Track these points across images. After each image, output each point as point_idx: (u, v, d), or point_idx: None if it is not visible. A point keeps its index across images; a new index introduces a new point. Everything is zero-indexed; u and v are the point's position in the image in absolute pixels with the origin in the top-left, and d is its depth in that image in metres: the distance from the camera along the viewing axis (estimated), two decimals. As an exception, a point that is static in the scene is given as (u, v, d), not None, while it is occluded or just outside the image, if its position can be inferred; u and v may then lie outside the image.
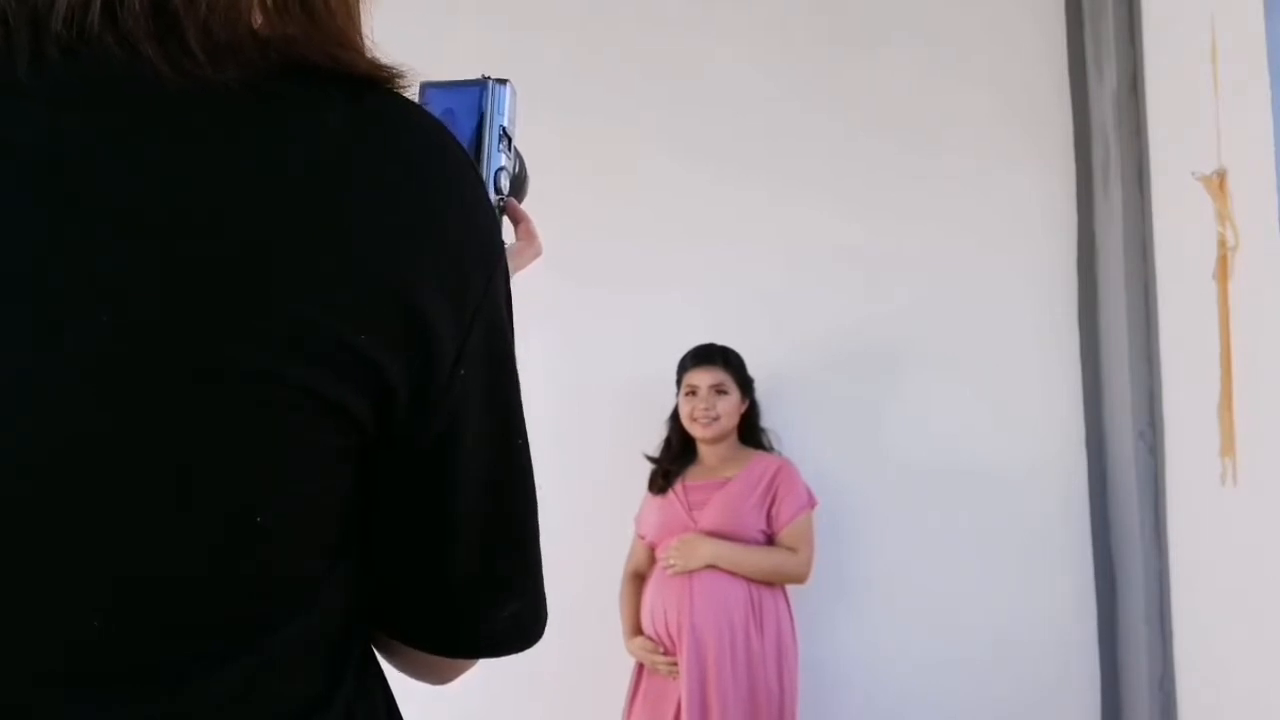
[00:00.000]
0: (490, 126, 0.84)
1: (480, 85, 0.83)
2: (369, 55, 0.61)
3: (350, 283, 0.55)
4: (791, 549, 2.73)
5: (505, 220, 0.86)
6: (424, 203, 0.58)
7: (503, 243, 0.65)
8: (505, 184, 0.85)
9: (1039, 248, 3.06)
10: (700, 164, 3.11)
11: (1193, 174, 2.35)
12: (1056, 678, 2.94)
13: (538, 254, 0.88)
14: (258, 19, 0.57)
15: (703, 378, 2.79)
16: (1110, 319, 2.91)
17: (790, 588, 2.76)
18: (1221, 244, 2.29)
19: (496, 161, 0.84)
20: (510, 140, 0.85)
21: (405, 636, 0.67)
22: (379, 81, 0.60)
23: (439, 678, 0.71)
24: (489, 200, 0.64)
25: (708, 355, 2.83)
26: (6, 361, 0.53)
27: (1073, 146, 3.07)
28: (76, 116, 0.54)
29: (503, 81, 0.84)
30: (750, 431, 2.87)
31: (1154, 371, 2.73)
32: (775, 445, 2.89)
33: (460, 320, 0.59)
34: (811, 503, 2.78)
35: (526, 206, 0.89)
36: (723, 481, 2.77)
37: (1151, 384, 2.74)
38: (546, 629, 0.70)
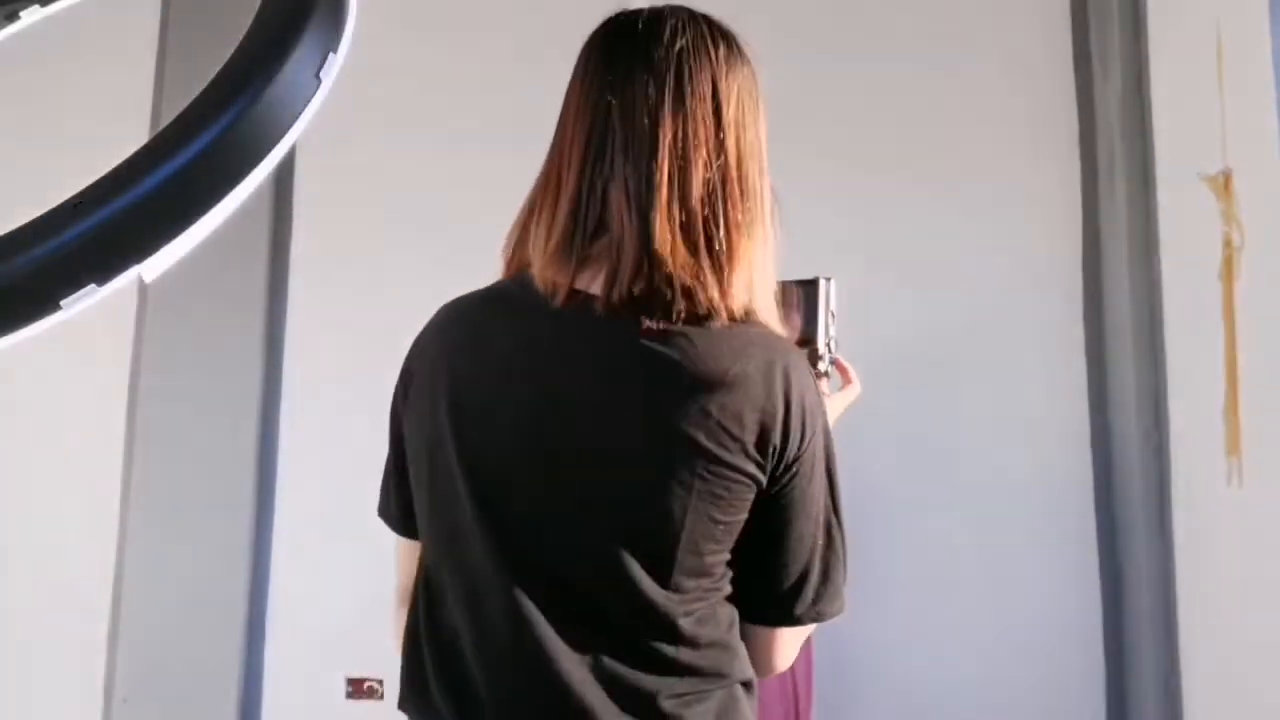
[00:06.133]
0: (827, 310, 1.38)
1: (817, 280, 1.37)
2: (760, 304, 1.08)
3: (752, 422, 1.04)
4: None
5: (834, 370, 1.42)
6: (781, 393, 1.05)
7: (825, 416, 1.11)
8: (835, 348, 1.41)
9: (1044, 247, 3.06)
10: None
11: (1198, 174, 2.35)
12: (1062, 677, 2.94)
13: (857, 394, 1.44)
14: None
15: None
16: (1115, 319, 2.90)
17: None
18: (1227, 244, 2.29)
19: (831, 332, 1.41)
20: (834, 317, 1.39)
21: (755, 614, 1.12)
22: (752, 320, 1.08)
23: (770, 658, 1.15)
24: (819, 401, 1.11)
25: None
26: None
27: (1078, 146, 3.06)
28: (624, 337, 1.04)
29: (829, 278, 1.38)
30: None
31: (1159, 371, 2.73)
32: None
33: (799, 447, 1.07)
34: None
35: None
36: None
37: (1157, 384, 2.74)
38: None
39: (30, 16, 1.19)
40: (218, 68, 0.86)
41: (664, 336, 1.01)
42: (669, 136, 1.03)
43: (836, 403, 1.36)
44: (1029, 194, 3.08)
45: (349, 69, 0.92)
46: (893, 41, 3.15)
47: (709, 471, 1.01)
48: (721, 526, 1.04)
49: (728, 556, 1.07)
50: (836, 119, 3.11)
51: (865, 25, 3.17)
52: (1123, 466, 2.87)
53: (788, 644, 1.15)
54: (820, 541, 1.10)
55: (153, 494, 3.04)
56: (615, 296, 1.02)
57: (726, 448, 1.02)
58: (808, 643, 2.74)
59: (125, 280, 0.82)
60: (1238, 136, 2.27)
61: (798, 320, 1.26)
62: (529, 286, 1.06)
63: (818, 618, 1.12)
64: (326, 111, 0.90)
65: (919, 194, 3.07)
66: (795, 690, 2.65)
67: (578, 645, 1.03)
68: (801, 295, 1.31)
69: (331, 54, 0.90)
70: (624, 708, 1.03)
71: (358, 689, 3.02)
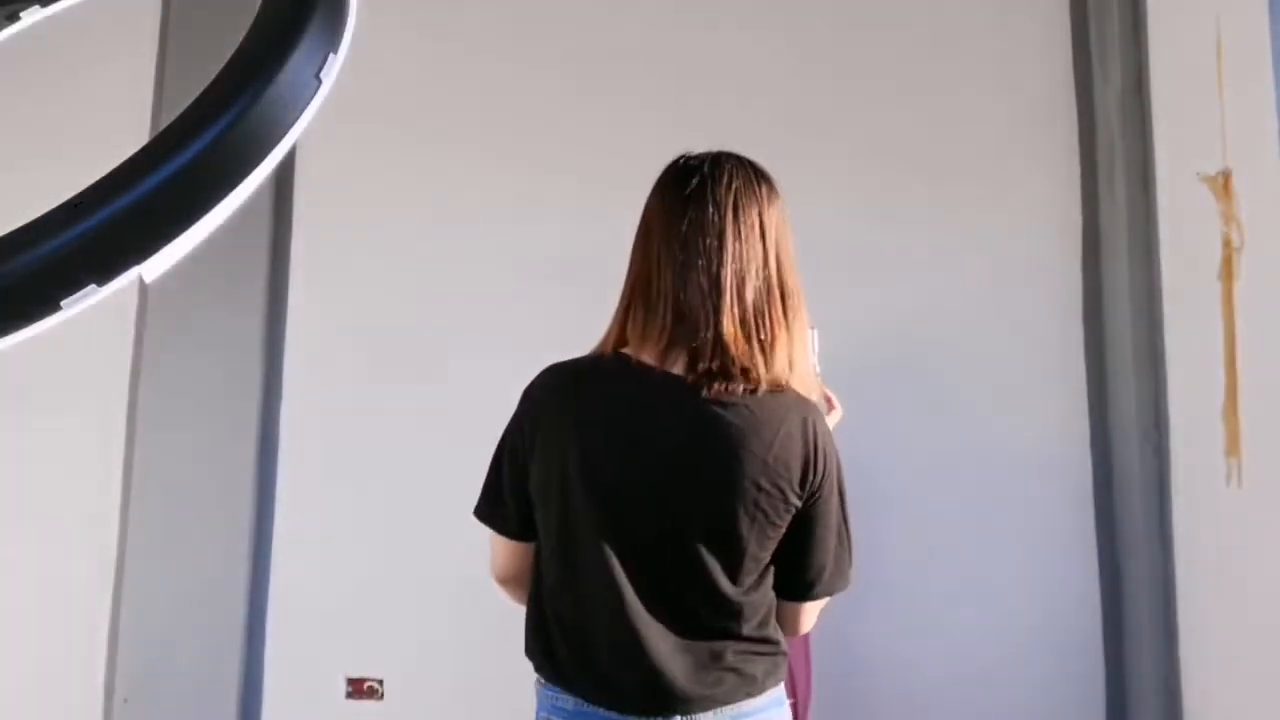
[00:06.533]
0: (813, 354, 1.66)
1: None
2: (791, 375, 1.48)
3: (796, 467, 1.45)
4: None
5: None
6: (812, 442, 1.46)
7: (836, 450, 1.50)
8: (821, 383, 1.70)
9: (1044, 247, 3.06)
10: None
11: (1198, 174, 2.35)
12: (1061, 678, 2.94)
13: (841, 416, 1.71)
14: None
15: None
16: (1115, 319, 2.90)
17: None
18: (1226, 244, 2.29)
19: (818, 371, 1.69)
20: (819, 359, 1.72)
21: (788, 594, 1.53)
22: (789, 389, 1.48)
23: (798, 624, 1.56)
24: (832, 440, 1.50)
25: None
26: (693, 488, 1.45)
27: (1077, 146, 3.06)
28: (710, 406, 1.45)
29: (813, 328, 1.61)
30: None
31: (1159, 372, 2.73)
32: None
33: (821, 479, 1.47)
34: None
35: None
36: None
37: (1157, 384, 2.74)
38: None
39: (30, 17, 1.19)
40: (218, 68, 0.86)
41: (728, 405, 1.43)
42: (730, 254, 1.45)
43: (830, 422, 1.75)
44: (1029, 194, 3.08)
45: (349, 69, 0.93)
46: (893, 42, 3.15)
47: (768, 504, 1.44)
48: (771, 539, 1.47)
49: (769, 558, 1.49)
50: (838, 119, 3.11)
51: (865, 26, 3.17)
52: (1123, 466, 2.87)
53: (810, 613, 1.59)
54: (833, 541, 1.53)
55: (153, 494, 3.04)
56: (699, 370, 1.43)
57: (780, 488, 1.44)
58: (806, 641, 2.75)
59: (125, 280, 0.82)
60: (1238, 136, 2.27)
61: None
62: (627, 362, 1.46)
63: (831, 592, 1.56)
64: (326, 111, 0.90)
65: (919, 194, 3.07)
66: (794, 686, 2.66)
67: (668, 624, 1.45)
68: None
69: (331, 54, 0.91)
70: (699, 662, 1.46)
71: (358, 689, 3.02)
